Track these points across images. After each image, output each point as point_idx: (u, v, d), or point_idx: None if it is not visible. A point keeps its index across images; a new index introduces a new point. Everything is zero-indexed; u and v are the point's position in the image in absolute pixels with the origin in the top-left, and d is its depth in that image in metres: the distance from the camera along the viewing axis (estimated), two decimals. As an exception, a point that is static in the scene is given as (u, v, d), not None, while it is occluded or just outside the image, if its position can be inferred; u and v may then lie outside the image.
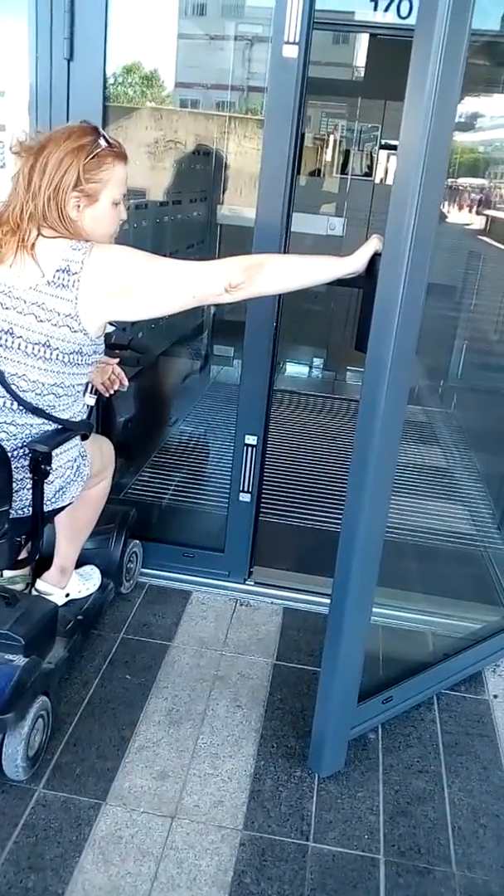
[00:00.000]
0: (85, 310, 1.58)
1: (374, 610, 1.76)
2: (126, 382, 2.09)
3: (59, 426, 1.72)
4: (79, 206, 1.61)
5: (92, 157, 1.59)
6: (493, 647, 2.23)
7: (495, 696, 2.14)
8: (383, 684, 1.95)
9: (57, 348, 1.60)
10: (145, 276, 1.60)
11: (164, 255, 1.65)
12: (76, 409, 1.76)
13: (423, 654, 2.23)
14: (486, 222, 4.69)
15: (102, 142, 1.61)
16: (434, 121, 1.34)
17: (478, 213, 4.83)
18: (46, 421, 1.69)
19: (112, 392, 2.08)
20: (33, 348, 1.60)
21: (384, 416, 1.51)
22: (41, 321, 1.58)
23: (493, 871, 1.62)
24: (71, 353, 1.62)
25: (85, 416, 1.83)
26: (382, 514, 1.64)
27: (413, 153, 1.36)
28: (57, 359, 1.62)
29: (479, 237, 4.65)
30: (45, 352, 1.60)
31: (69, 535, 2.11)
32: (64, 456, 1.77)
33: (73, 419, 1.76)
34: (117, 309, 1.62)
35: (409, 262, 1.42)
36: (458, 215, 5.00)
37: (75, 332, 1.59)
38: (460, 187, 4.90)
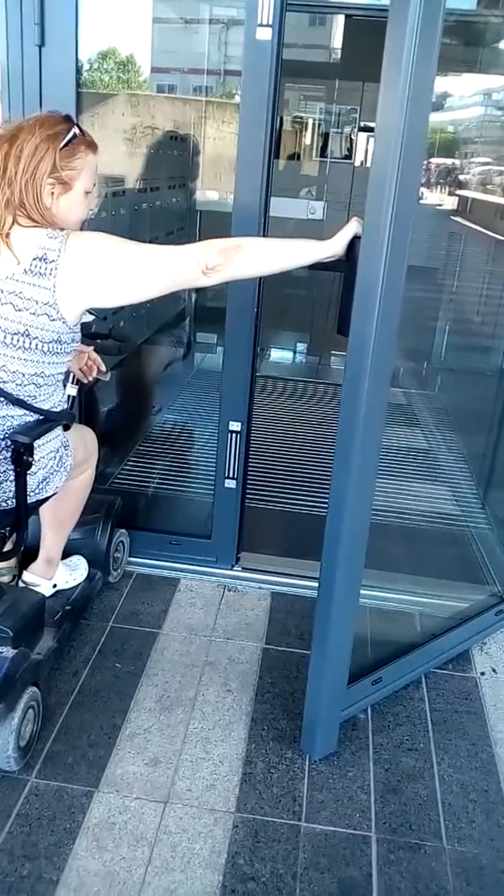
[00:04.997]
0: (63, 297, 1.57)
1: (362, 592, 1.77)
2: (104, 367, 2.08)
3: (41, 416, 1.71)
4: (53, 194, 1.60)
5: (66, 146, 1.60)
6: (479, 625, 2.25)
7: (482, 674, 2.17)
8: (373, 666, 1.97)
9: (36, 337, 1.59)
10: (123, 262, 1.59)
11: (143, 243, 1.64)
12: (56, 398, 1.75)
13: (412, 634, 2.25)
14: (458, 203, 4.70)
15: (76, 130, 1.62)
16: (410, 101, 1.34)
17: (449, 193, 4.83)
18: (27, 412, 1.68)
19: (90, 378, 2.07)
20: (12, 338, 1.58)
21: (368, 399, 1.52)
22: (19, 310, 1.57)
23: (483, 845, 1.64)
24: (50, 342, 1.61)
25: (66, 406, 1.82)
26: (368, 496, 1.65)
27: (390, 135, 1.36)
28: (36, 348, 1.61)
29: (452, 217, 4.65)
30: (24, 341, 1.59)
31: (54, 525, 2.10)
32: (46, 447, 1.76)
33: (54, 409, 1.75)
34: (96, 295, 1.62)
35: (389, 244, 1.42)
36: (429, 196, 4.98)
37: (54, 320, 1.58)
38: (431, 168, 4.89)
